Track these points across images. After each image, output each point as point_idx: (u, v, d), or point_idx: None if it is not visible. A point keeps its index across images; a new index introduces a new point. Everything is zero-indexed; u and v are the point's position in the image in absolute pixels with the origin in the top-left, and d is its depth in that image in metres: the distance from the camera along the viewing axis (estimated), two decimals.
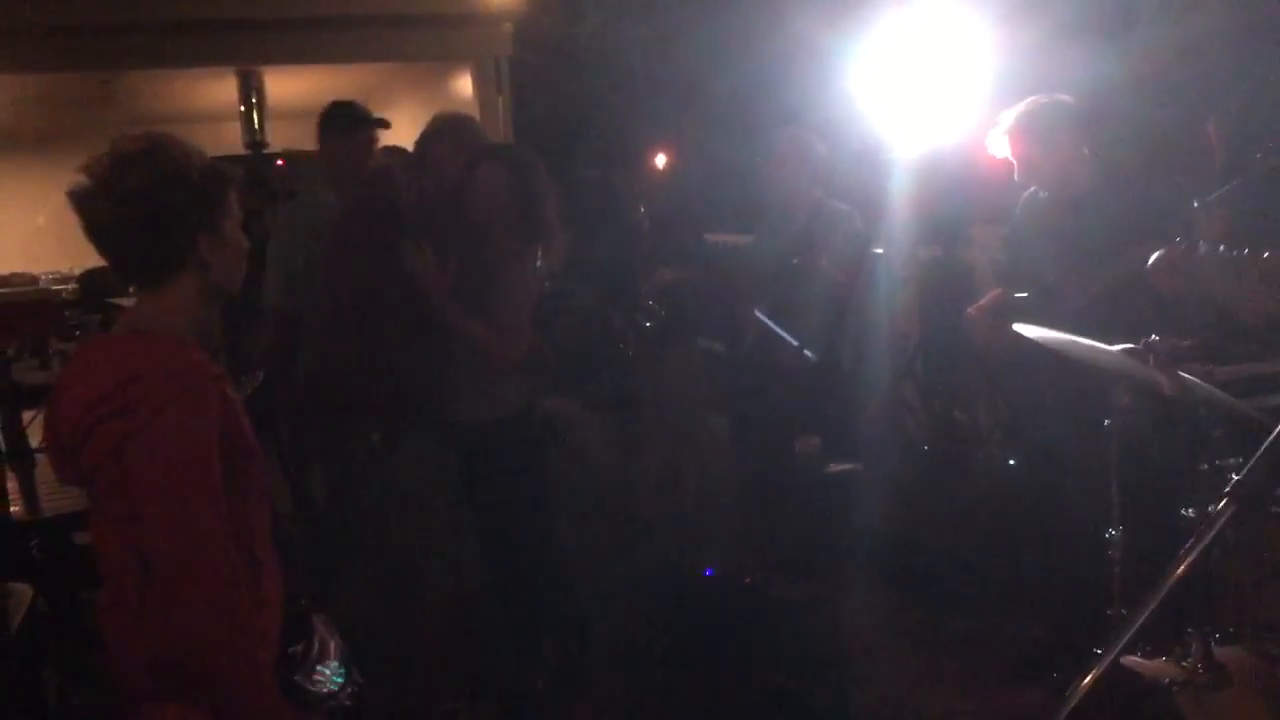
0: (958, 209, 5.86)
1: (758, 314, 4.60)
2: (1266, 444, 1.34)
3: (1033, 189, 4.29)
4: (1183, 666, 2.76)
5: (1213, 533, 1.37)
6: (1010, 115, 4.10)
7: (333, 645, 2.43)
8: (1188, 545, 1.39)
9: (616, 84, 10.40)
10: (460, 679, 3.96)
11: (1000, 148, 4.33)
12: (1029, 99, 4.11)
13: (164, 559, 2.07)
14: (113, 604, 2.20)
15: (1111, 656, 1.42)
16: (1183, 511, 3.04)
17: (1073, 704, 2.69)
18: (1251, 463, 1.33)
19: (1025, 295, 4.16)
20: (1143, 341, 3.19)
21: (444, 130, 3.94)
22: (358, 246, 3.78)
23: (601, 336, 4.91)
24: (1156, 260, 1.68)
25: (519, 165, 3.72)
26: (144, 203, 2.15)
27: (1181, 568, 1.39)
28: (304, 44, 10.37)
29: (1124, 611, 3.24)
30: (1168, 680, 2.74)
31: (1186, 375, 3.11)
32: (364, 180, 4.15)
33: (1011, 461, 4.93)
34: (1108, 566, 3.27)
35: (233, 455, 2.17)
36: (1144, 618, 1.39)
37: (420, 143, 3.96)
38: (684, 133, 7.13)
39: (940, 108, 5.19)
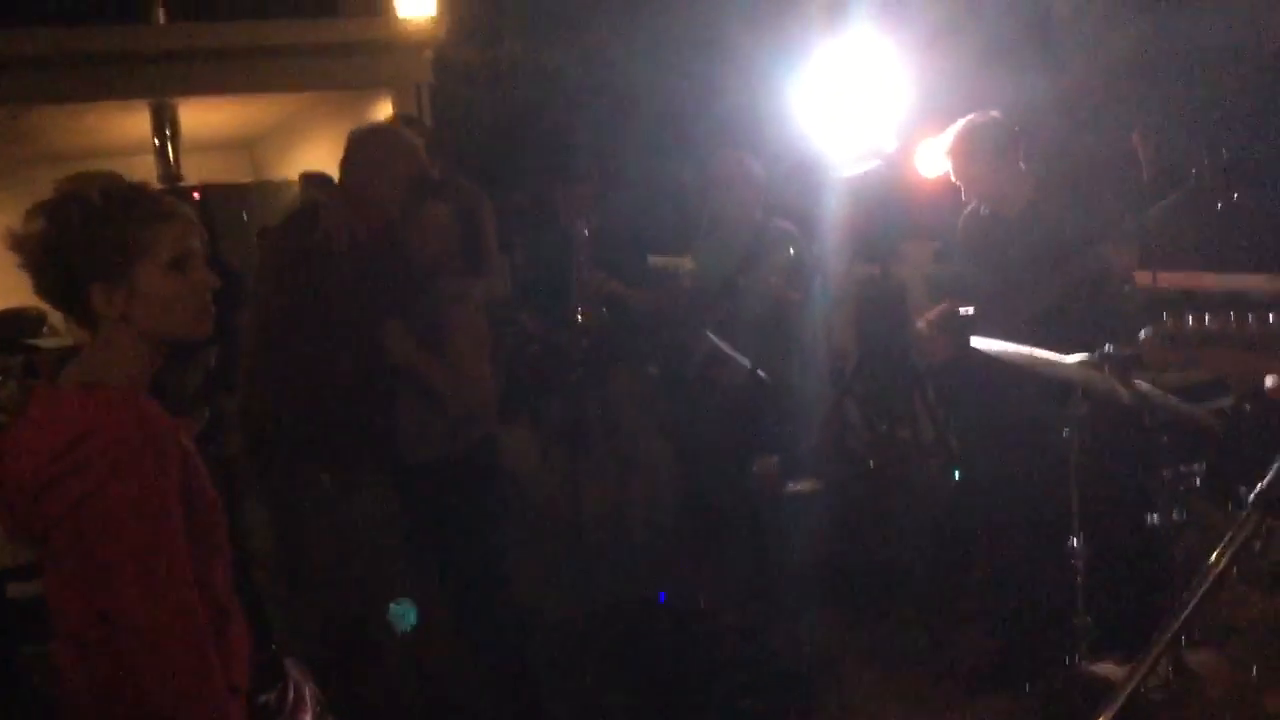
0: (891, 226, 5.92)
1: (709, 335, 4.59)
2: None
3: (974, 205, 4.35)
4: (1155, 673, 2.78)
5: (1237, 542, 1.37)
6: (951, 133, 4.15)
7: (307, 692, 2.36)
8: (1214, 556, 1.38)
9: (541, 104, 10.38)
10: None
11: (940, 165, 4.38)
12: (967, 117, 4.16)
13: (129, 617, 2.00)
14: (72, 661, 2.12)
15: (1152, 659, 1.40)
16: (1147, 518, 3.08)
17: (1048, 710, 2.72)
18: (1275, 471, 1.33)
19: (970, 310, 4.21)
20: (1097, 352, 3.25)
21: (367, 149, 3.62)
22: (288, 288, 3.63)
23: (549, 363, 4.86)
24: (1148, 336, 1.70)
25: (462, 200, 3.64)
26: (38, 254, 2.08)
27: (1210, 579, 1.38)
28: (218, 75, 10.20)
29: (1088, 620, 3.27)
30: (1143, 687, 2.75)
31: (1141, 383, 3.17)
32: (288, 218, 3.96)
33: (956, 475, 4.97)
34: (1070, 575, 3.30)
35: (194, 505, 2.10)
36: (1175, 628, 1.38)
37: (345, 168, 3.67)
38: (618, 151, 7.12)
39: (870, 127, 5.25)
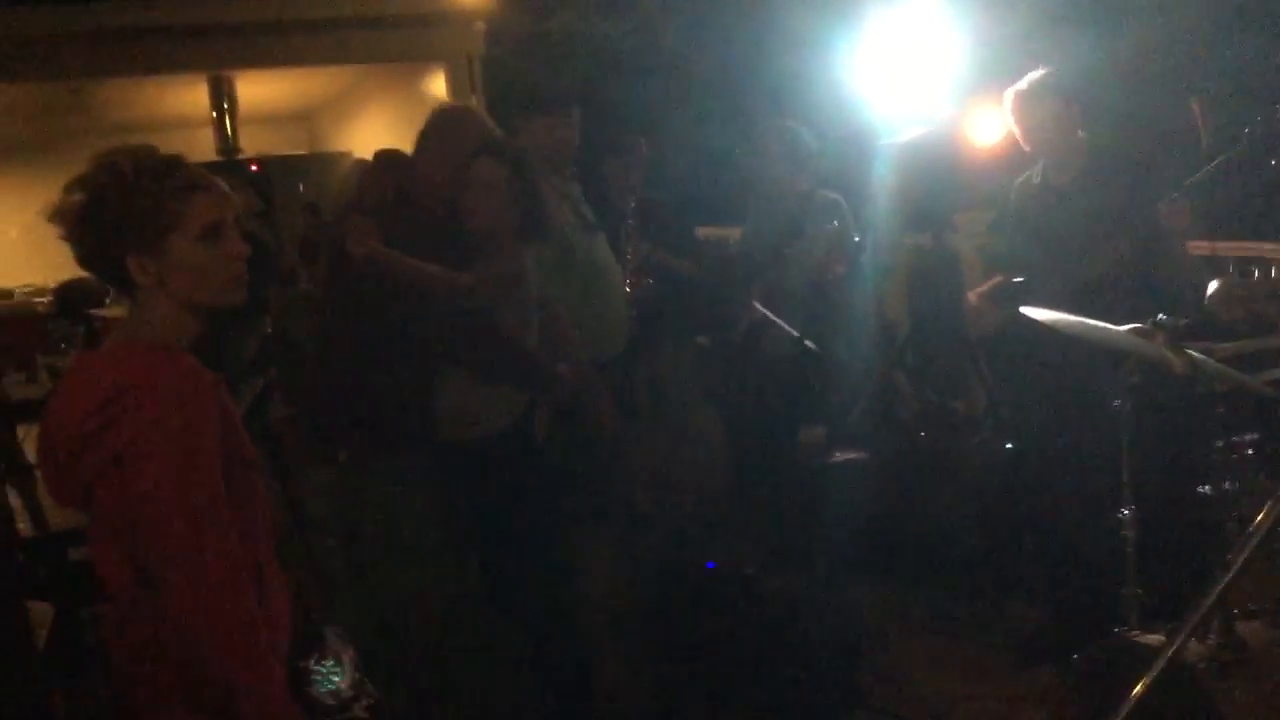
0: (943, 196, 5.85)
1: (756, 304, 4.58)
2: None
3: (1025, 175, 4.29)
4: (1206, 644, 2.75)
5: (1274, 516, 1.35)
6: (1013, 91, 4.09)
7: (345, 658, 2.39)
8: (1258, 521, 1.36)
9: (593, 77, 10.36)
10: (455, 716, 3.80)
11: (997, 130, 4.31)
12: (1030, 75, 4.10)
13: (170, 568, 2.03)
14: (120, 620, 2.16)
15: (1180, 639, 1.39)
16: (1199, 489, 3.04)
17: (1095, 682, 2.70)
18: None
19: (1022, 280, 4.17)
20: (1150, 321, 3.20)
21: (437, 127, 3.70)
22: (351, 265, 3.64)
23: None
24: (1216, 292, 1.69)
25: (517, 161, 3.56)
26: (77, 223, 2.12)
27: (1252, 543, 1.37)
28: (274, 48, 10.30)
29: (1139, 591, 3.24)
30: (1192, 658, 2.73)
31: (1194, 353, 3.12)
32: (358, 192, 3.98)
33: (1009, 446, 4.93)
34: (1121, 546, 3.27)
35: (232, 464, 2.13)
36: (1218, 591, 1.36)
37: (417, 142, 3.73)
38: (669, 122, 7.11)
39: (924, 95, 5.18)
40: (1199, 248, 4.65)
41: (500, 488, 3.48)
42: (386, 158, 3.81)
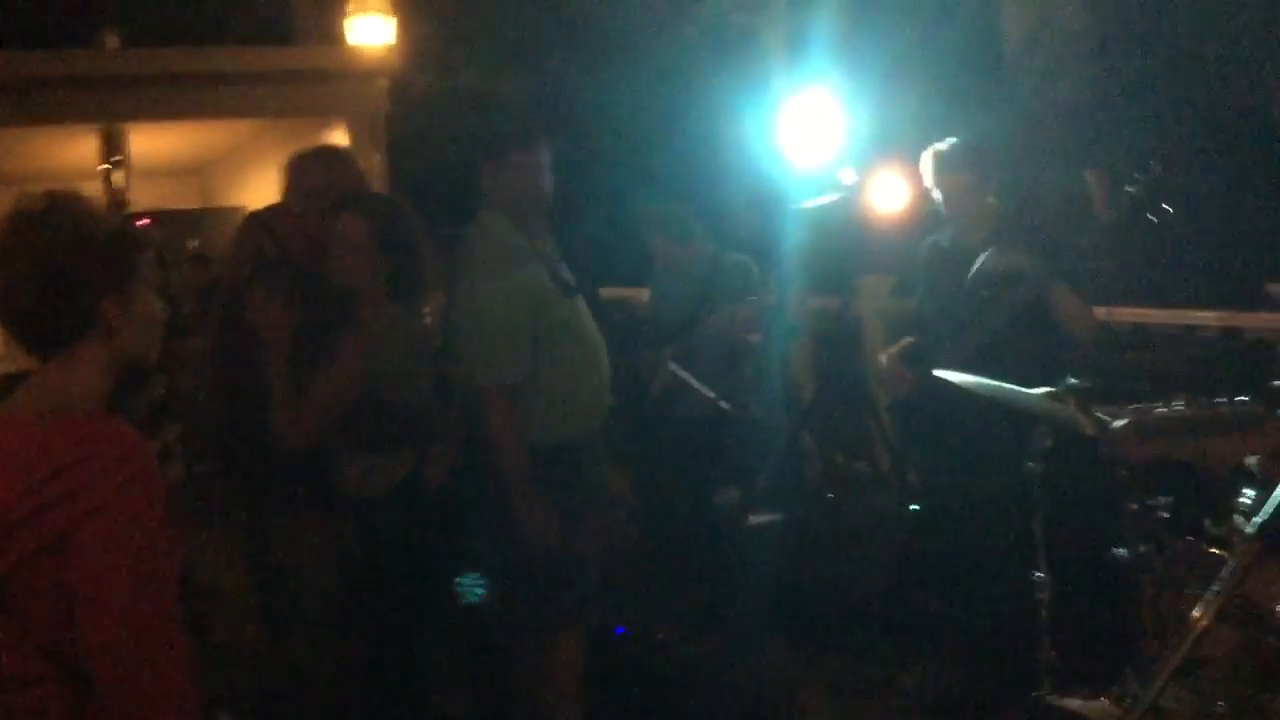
0: (848, 260, 5.95)
1: (672, 366, 4.57)
2: None
3: (935, 238, 4.37)
4: (1122, 706, 2.77)
5: (1236, 573, 1.35)
6: (946, 143, 4.17)
7: None
8: (1212, 589, 1.36)
9: (499, 135, 10.33)
10: None
11: (905, 194, 4.39)
12: (951, 139, 4.19)
13: (119, 654, 1.91)
14: (25, 715, 2.01)
15: (1148, 703, 1.38)
16: (1113, 552, 3.09)
17: None
18: (1273, 502, 1.32)
19: (931, 342, 4.23)
20: (1061, 384, 3.26)
21: (298, 174, 3.53)
22: (234, 318, 3.53)
23: None
24: (1124, 428, 1.72)
25: (385, 214, 3.37)
26: (44, 264, 2.01)
27: (1210, 612, 1.37)
28: (169, 100, 10.11)
29: (1053, 654, 3.26)
30: None
31: (1104, 416, 3.18)
32: (237, 248, 3.84)
33: (914, 508, 4.97)
34: (1034, 608, 3.29)
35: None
36: (1174, 662, 1.36)
37: (283, 191, 3.60)
38: (576, 183, 7.09)
39: (830, 162, 5.28)
40: (1096, 313, 4.77)
41: (391, 546, 3.35)
42: (258, 217, 3.69)
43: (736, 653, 4.48)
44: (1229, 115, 7.67)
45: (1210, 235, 6.63)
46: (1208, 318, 5.48)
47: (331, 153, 3.85)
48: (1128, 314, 5.63)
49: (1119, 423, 1.69)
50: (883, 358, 4.38)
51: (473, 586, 3.53)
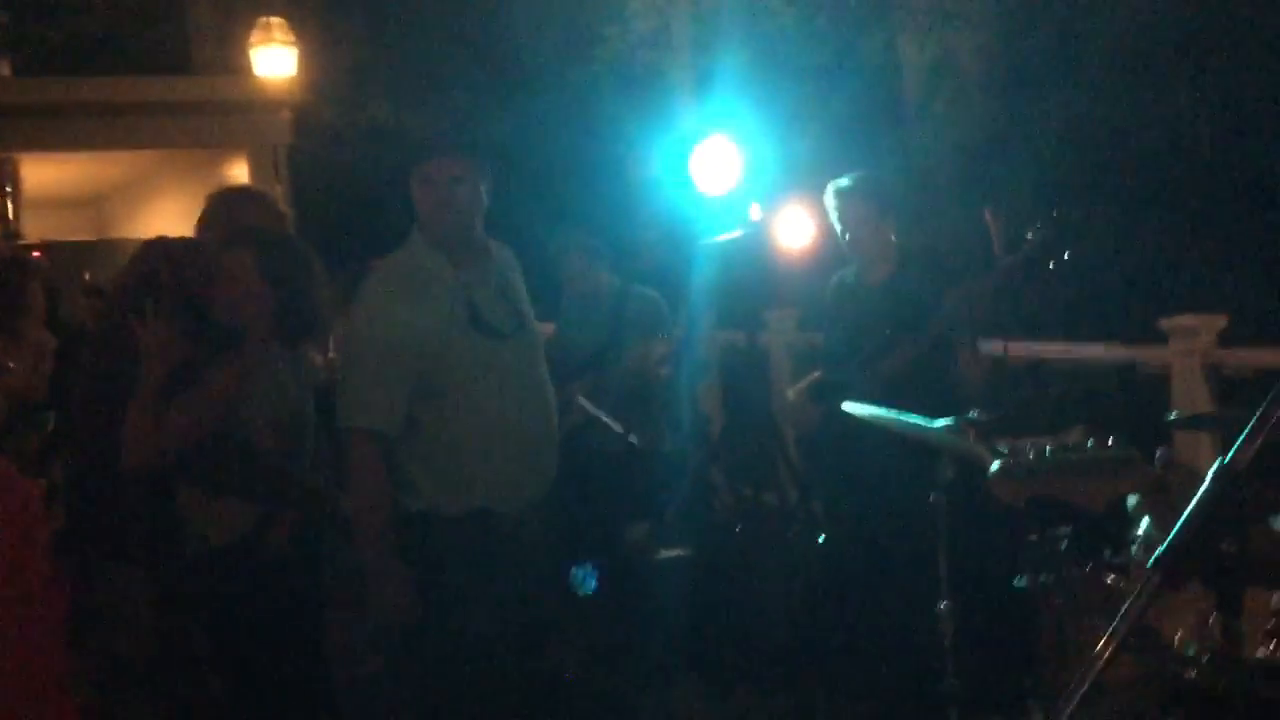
0: (755, 295, 6.02)
1: (581, 400, 4.56)
2: (1185, 516, 1.37)
3: (840, 274, 4.44)
4: None
5: (1140, 605, 1.38)
6: (848, 178, 4.23)
7: None
8: (1115, 622, 1.39)
9: (404, 168, 10.28)
10: None
11: (810, 231, 4.45)
12: (854, 174, 4.26)
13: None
14: None
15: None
16: (1014, 582, 3.14)
17: None
18: (1174, 533, 1.36)
19: (838, 377, 4.28)
20: (963, 416, 3.32)
21: (212, 211, 3.51)
22: (112, 355, 3.41)
23: None
24: (995, 472, 1.76)
25: (272, 250, 3.22)
26: None
27: (1111, 646, 1.39)
28: (64, 131, 9.88)
29: (957, 683, 3.30)
30: None
31: (1004, 448, 3.24)
32: (120, 281, 3.73)
33: (821, 540, 5.02)
34: (939, 639, 3.33)
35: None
36: (1078, 696, 1.38)
37: (201, 229, 3.55)
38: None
39: (735, 196, 5.34)
40: (991, 349, 4.89)
41: (230, 606, 3.12)
42: (160, 243, 3.60)
43: (646, 687, 4.46)
44: (1122, 157, 7.95)
45: (1106, 273, 6.86)
46: (1102, 352, 5.65)
47: (257, 194, 3.80)
48: (1024, 349, 5.78)
49: (992, 466, 1.72)
50: (790, 393, 4.42)
51: (586, 578, 3.44)
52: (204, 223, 3.58)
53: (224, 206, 3.59)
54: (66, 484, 3.62)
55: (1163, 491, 1.59)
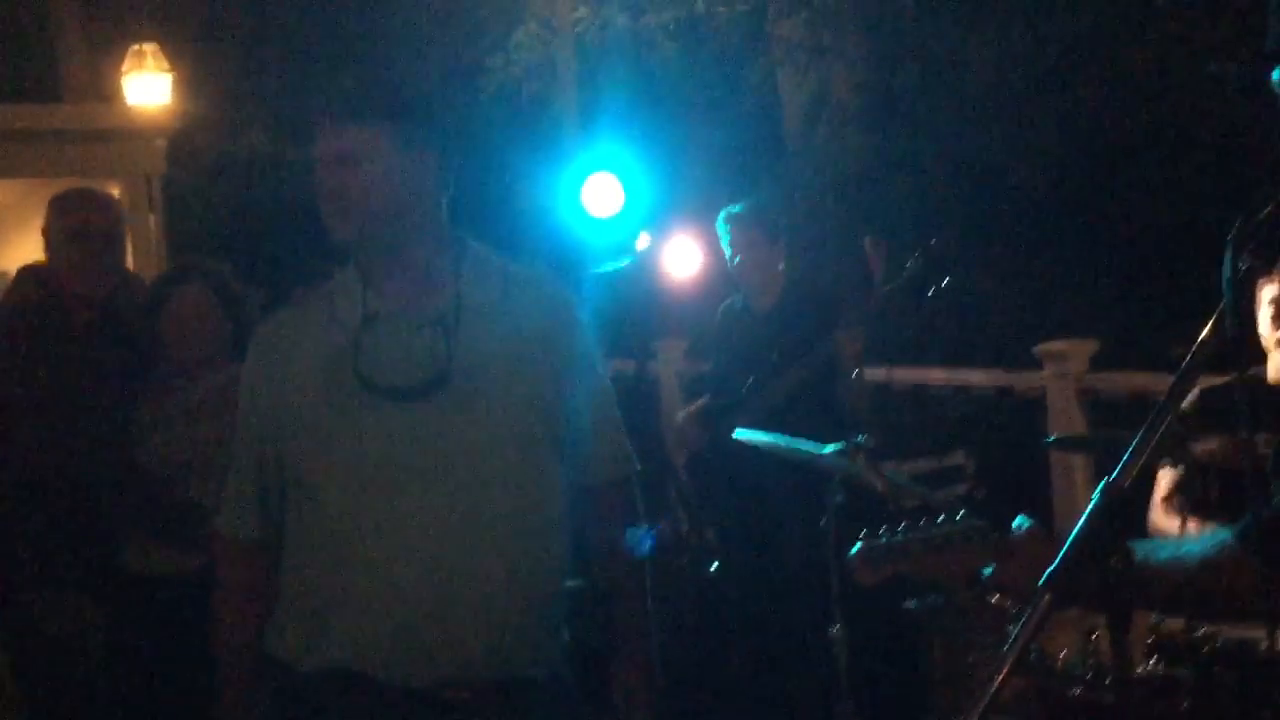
0: (644, 324, 6.04)
1: None
2: (1073, 536, 1.41)
3: (729, 300, 4.48)
4: None
5: (1032, 625, 1.41)
6: (740, 205, 4.29)
7: None
8: (1009, 642, 1.42)
9: (281, 198, 10.12)
10: None
11: (696, 260, 4.48)
12: (744, 202, 4.32)
13: None
14: None
15: None
16: (904, 604, 3.19)
17: None
18: (1063, 553, 1.39)
19: (726, 403, 4.32)
20: (850, 441, 3.37)
21: (64, 210, 3.37)
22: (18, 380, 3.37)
23: None
24: (854, 557, 1.81)
25: (218, 281, 3.34)
26: None
27: (1005, 666, 1.42)
28: None
29: (851, 706, 3.33)
30: None
31: (889, 471, 3.31)
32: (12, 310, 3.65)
33: (714, 567, 5.04)
34: (832, 662, 3.37)
35: None
36: (978, 710, 1.40)
37: (49, 240, 3.40)
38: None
39: (624, 228, 5.36)
40: (875, 375, 4.99)
41: (171, 632, 3.08)
42: (29, 269, 3.51)
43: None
44: (995, 187, 8.20)
45: (982, 301, 7.06)
46: (981, 377, 5.81)
47: (90, 194, 3.66)
48: (907, 374, 5.91)
49: (851, 551, 1.77)
50: (679, 415, 4.45)
51: (643, 539, 3.31)
52: (48, 228, 3.43)
53: (64, 210, 3.44)
54: None
55: (1010, 561, 1.66)
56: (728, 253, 4.32)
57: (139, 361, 3.33)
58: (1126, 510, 1.44)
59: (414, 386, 2.11)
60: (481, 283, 2.24)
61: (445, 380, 2.11)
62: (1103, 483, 1.46)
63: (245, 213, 10.36)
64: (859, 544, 1.82)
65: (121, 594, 3.25)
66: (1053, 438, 4.83)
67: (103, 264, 3.33)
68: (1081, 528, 1.39)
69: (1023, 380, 5.45)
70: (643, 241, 5.39)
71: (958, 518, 1.79)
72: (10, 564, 3.28)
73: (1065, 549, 1.38)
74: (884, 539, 1.81)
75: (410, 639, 2.08)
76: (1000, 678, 1.39)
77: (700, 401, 4.45)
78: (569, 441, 2.24)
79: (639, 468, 2.50)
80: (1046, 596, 1.37)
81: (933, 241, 4.28)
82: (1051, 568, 1.37)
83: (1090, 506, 1.44)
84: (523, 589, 2.16)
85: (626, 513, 2.48)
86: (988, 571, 1.75)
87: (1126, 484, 1.45)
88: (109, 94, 10.02)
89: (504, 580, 2.12)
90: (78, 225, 3.33)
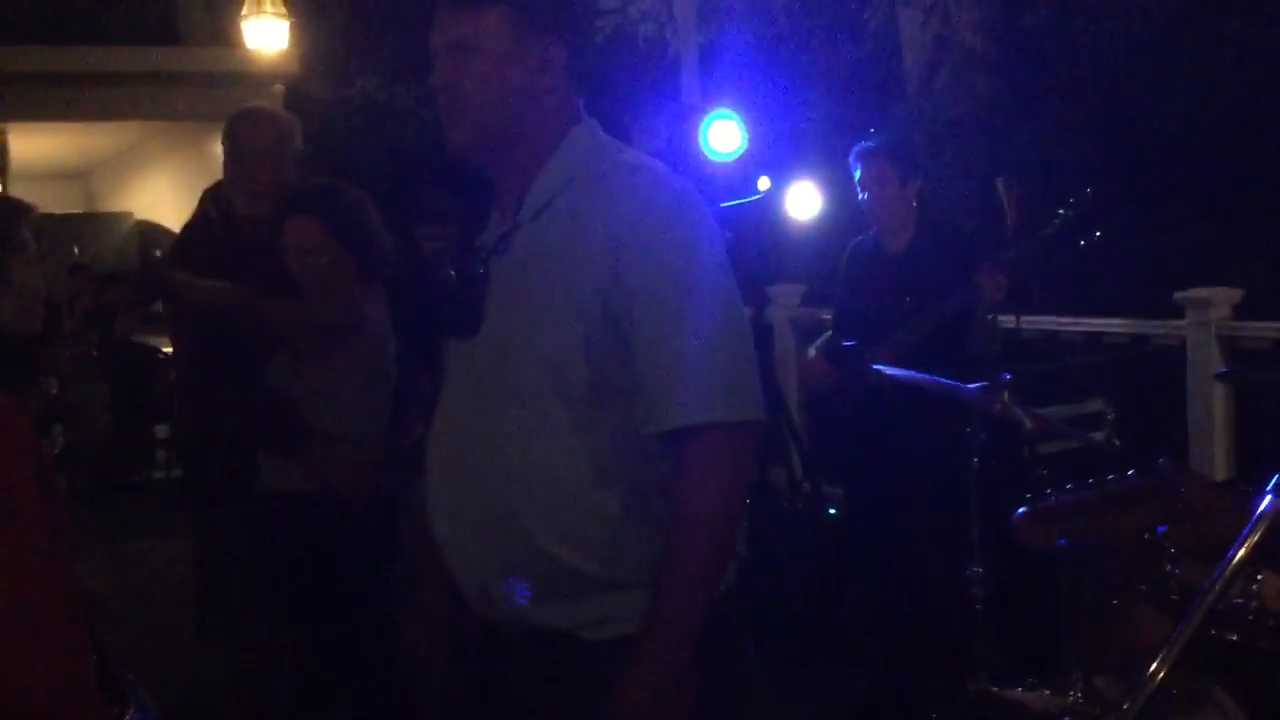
0: (760, 269, 5.97)
1: None
2: None
3: (858, 240, 4.38)
4: (1067, 697, 2.77)
5: (1259, 533, 1.32)
6: (873, 140, 4.21)
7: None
8: (1235, 549, 1.33)
9: (396, 144, 10.18)
10: None
11: (815, 204, 4.39)
12: (879, 136, 4.23)
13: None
14: None
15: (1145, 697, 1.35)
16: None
17: None
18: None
19: (856, 341, 4.22)
20: (996, 378, 3.27)
21: (240, 142, 3.33)
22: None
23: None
24: (1020, 518, 1.71)
25: (339, 209, 3.23)
26: None
27: (1228, 574, 1.34)
28: (51, 101, 9.72)
29: (987, 647, 3.26)
30: (1054, 711, 2.75)
31: (1036, 411, 3.20)
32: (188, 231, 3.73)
33: (832, 511, 4.98)
34: (969, 604, 3.29)
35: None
36: (1195, 624, 1.32)
37: (226, 157, 3.41)
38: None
39: (743, 168, 5.28)
40: (1005, 321, 4.85)
41: (313, 545, 3.21)
42: (208, 191, 3.56)
43: None
44: (1132, 140, 7.91)
45: (1121, 248, 6.82)
46: (1117, 325, 5.62)
47: (251, 113, 3.65)
48: (1036, 321, 5.74)
49: (1017, 512, 1.68)
50: (810, 350, 4.39)
51: None
52: (225, 153, 3.43)
53: (236, 132, 3.46)
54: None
55: (1187, 519, 1.55)
56: (859, 190, 4.22)
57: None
58: None
59: (450, 325, 2.04)
60: (568, 184, 2.00)
61: (476, 320, 1.99)
62: None
63: (356, 157, 10.45)
64: (1024, 506, 1.75)
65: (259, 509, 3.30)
66: (1224, 370, 4.67)
67: (258, 183, 3.32)
68: None
69: (1161, 328, 5.27)
70: (763, 183, 5.30)
71: (1129, 474, 1.70)
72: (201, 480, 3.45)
73: None
74: (1053, 500, 1.73)
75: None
76: (1220, 586, 1.30)
77: (827, 334, 4.38)
78: (628, 378, 1.90)
79: (747, 418, 1.89)
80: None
81: (1088, 190, 4.16)
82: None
83: None
84: (559, 549, 1.91)
85: (711, 473, 1.88)
86: (1161, 530, 1.66)
87: None
88: (228, 39, 10.16)
89: (524, 541, 1.91)
90: (236, 145, 3.34)
